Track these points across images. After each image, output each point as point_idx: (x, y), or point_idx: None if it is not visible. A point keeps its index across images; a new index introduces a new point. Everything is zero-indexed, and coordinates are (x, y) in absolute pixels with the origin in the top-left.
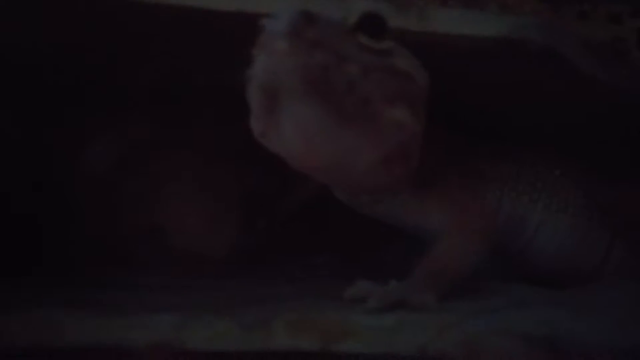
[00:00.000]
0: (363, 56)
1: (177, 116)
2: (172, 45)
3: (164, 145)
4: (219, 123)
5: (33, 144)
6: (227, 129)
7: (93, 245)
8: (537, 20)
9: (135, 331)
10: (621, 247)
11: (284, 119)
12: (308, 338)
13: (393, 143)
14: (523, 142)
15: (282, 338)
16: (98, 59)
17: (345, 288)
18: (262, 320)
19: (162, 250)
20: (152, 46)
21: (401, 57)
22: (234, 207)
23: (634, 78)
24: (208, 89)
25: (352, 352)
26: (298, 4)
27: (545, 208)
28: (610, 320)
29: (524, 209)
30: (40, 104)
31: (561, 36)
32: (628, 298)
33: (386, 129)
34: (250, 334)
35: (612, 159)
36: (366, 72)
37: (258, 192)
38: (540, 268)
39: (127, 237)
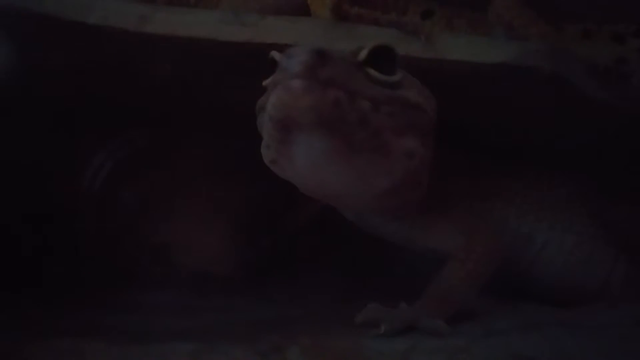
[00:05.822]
0: (374, 90)
1: (180, 131)
2: (179, 69)
3: (168, 160)
4: (223, 139)
5: (31, 159)
6: (232, 144)
7: (96, 265)
8: (544, 47)
9: None
10: (625, 266)
11: (296, 150)
12: None
13: (403, 171)
14: (529, 162)
15: None
16: (103, 72)
17: (354, 309)
18: (277, 346)
19: (169, 268)
20: (158, 68)
21: (411, 89)
22: (239, 224)
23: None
24: (214, 106)
25: None
26: (309, 33)
27: (550, 227)
28: (615, 341)
29: (529, 228)
30: (37, 115)
31: (568, 62)
32: (629, 319)
33: (396, 158)
34: None
35: (617, 177)
36: (377, 105)
37: (262, 209)
38: (544, 287)
39: (132, 255)
